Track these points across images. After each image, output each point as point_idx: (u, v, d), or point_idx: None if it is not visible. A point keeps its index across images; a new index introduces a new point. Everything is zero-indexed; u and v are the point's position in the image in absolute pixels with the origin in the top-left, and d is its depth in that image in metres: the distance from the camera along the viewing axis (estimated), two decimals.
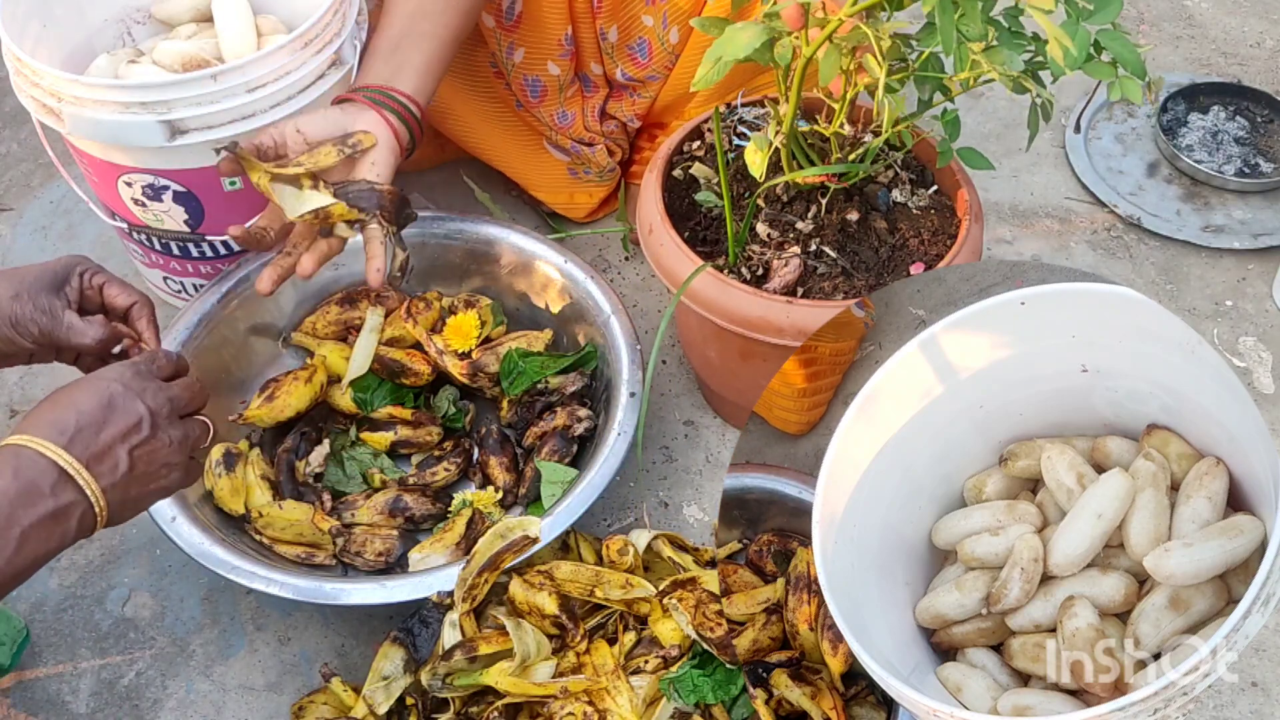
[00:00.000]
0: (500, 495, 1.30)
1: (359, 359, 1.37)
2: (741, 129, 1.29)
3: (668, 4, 1.44)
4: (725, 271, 1.21)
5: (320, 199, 1.15)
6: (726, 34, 1.03)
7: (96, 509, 0.87)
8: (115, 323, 1.06)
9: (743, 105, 1.32)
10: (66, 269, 1.04)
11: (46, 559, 0.84)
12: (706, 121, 1.33)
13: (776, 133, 1.14)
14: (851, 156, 1.19)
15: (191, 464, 0.98)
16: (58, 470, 0.84)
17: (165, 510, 1.20)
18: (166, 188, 1.34)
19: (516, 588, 1.15)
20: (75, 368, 1.08)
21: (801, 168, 1.19)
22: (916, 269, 1.20)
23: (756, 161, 1.13)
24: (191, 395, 0.98)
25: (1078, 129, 1.77)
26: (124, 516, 0.91)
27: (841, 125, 1.16)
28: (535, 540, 1.16)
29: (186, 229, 1.38)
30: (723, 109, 1.31)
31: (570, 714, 1.08)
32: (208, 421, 0.99)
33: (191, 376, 1.02)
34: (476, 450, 1.37)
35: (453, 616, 1.13)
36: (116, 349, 1.05)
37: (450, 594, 1.14)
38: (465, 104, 1.56)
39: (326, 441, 1.35)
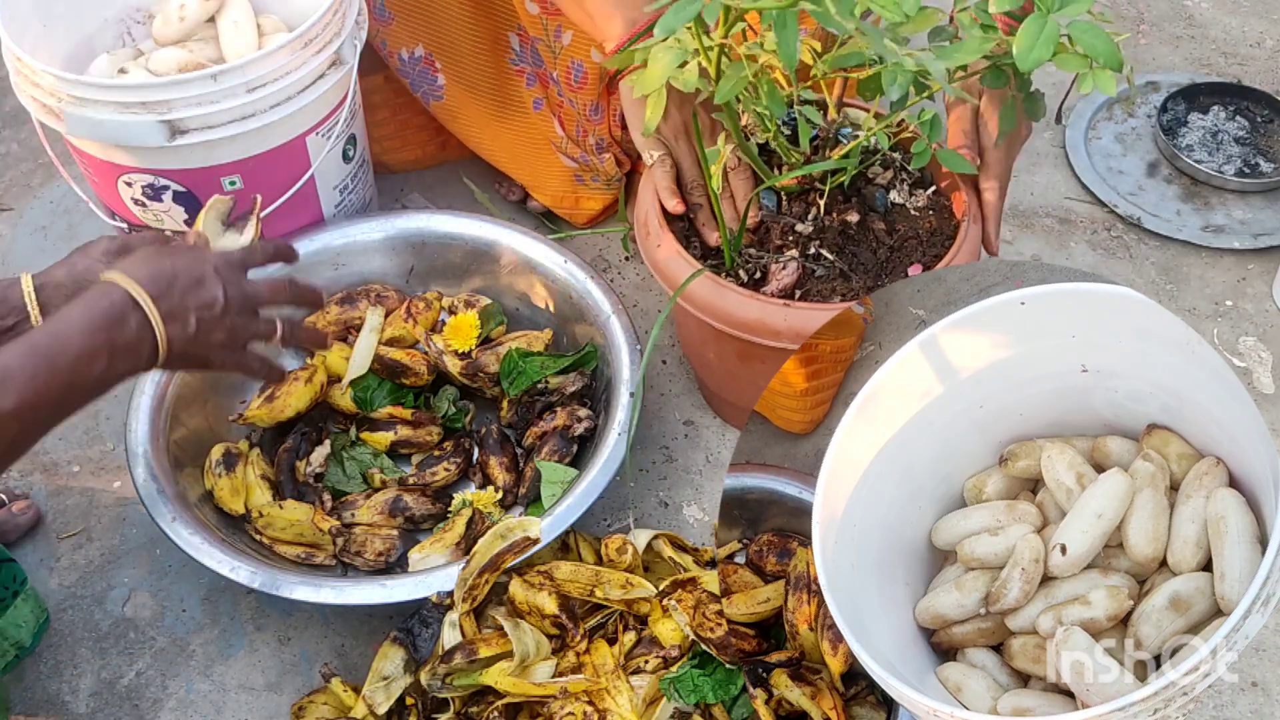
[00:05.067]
0: (500, 495, 1.30)
1: (359, 359, 1.37)
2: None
3: None
4: (723, 274, 1.21)
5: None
6: (647, 65, 1.01)
7: (161, 349, 1.00)
8: None
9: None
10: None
11: (124, 378, 1.00)
12: None
13: (729, 144, 1.14)
14: (835, 154, 1.19)
15: (248, 355, 1.09)
16: (143, 314, 0.99)
17: (165, 510, 1.20)
18: (166, 188, 1.34)
19: (516, 588, 1.15)
20: None
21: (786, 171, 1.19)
22: (914, 270, 1.20)
23: (715, 173, 1.13)
24: (273, 293, 1.11)
25: (1058, 119, 1.76)
26: (180, 365, 1.07)
27: (777, 137, 1.16)
28: (535, 541, 1.16)
29: (186, 229, 1.38)
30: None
31: (570, 714, 1.08)
32: (277, 321, 1.10)
33: (284, 276, 1.16)
34: (476, 450, 1.37)
35: (453, 617, 1.13)
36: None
37: (450, 594, 1.14)
38: (476, 105, 1.56)
39: (327, 442, 1.35)
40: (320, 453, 1.34)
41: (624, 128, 1.56)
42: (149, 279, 1.00)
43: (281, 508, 1.27)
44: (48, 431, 0.97)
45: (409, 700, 1.14)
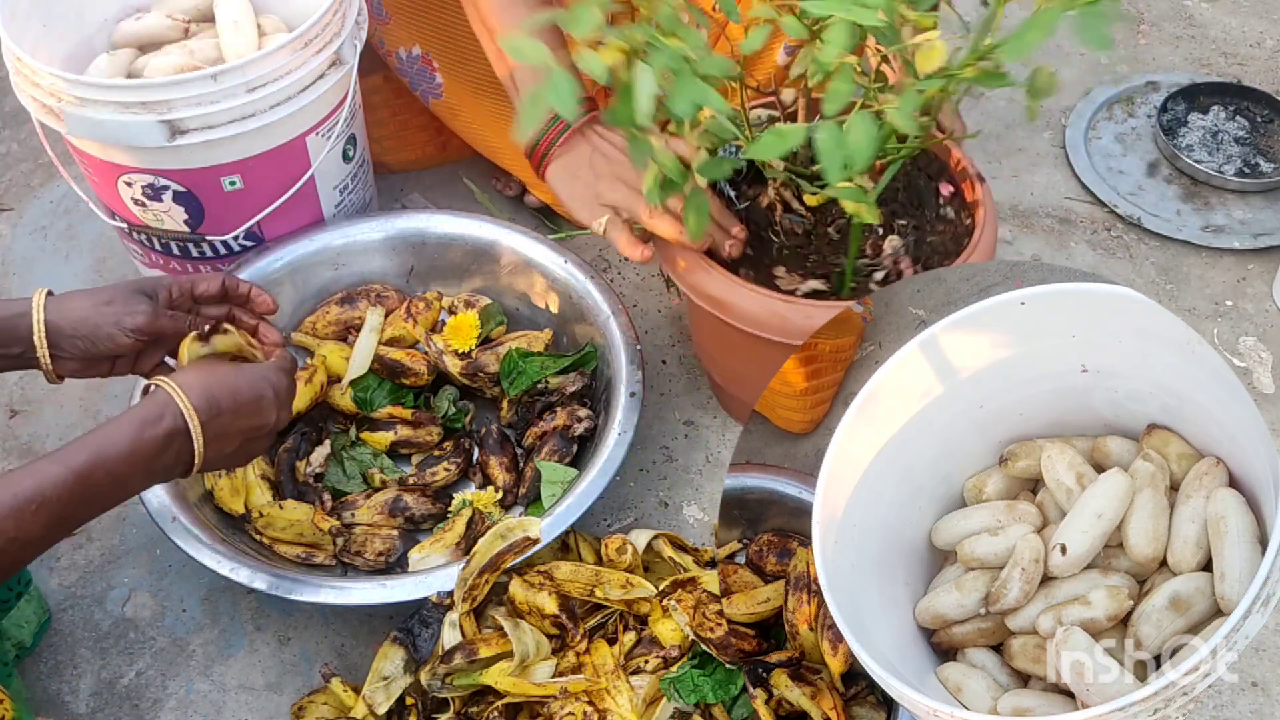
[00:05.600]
0: (500, 495, 1.30)
1: (359, 359, 1.37)
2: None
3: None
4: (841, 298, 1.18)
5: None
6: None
7: (192, 469, 1.03)
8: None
9: (751, 108, 1.30)
10: (152, 281, 1.14)
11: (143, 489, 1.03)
12: None
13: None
14: None
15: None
16: (188, 437, 1.00)
17: (165, 510, 1.20)
18: (166, 188, 1.34)
19: (516, 588, 1.15)
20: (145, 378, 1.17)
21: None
22: (945, 189, 1.22)
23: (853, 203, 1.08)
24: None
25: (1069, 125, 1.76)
26: (201, 471, 1.05)
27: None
28: (536, 541, 1.16)
29: (186, 229, 1.38)
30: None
31: (570, 714, 1.08)
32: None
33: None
34: (476, 450, 1.37)
35: (453, 617, 1.13)
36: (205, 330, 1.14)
37: (450, 594, 1.14)
38: (474, 104, 1.56)
39: (327, 442, 1.35)
40: (320, 453, 1.34)
41: None
42: (205, 402, 1.01)
43: (281, 508, 1.27)
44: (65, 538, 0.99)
45: (409, 700, 1.14)
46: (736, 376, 1.36)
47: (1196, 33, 1.97)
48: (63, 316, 1.07)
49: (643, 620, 1.18)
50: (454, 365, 1.37)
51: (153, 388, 1.03)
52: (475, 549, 1.15)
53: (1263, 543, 0.90)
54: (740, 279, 1.18)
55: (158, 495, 1.21)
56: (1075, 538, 0.96)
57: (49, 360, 1.08)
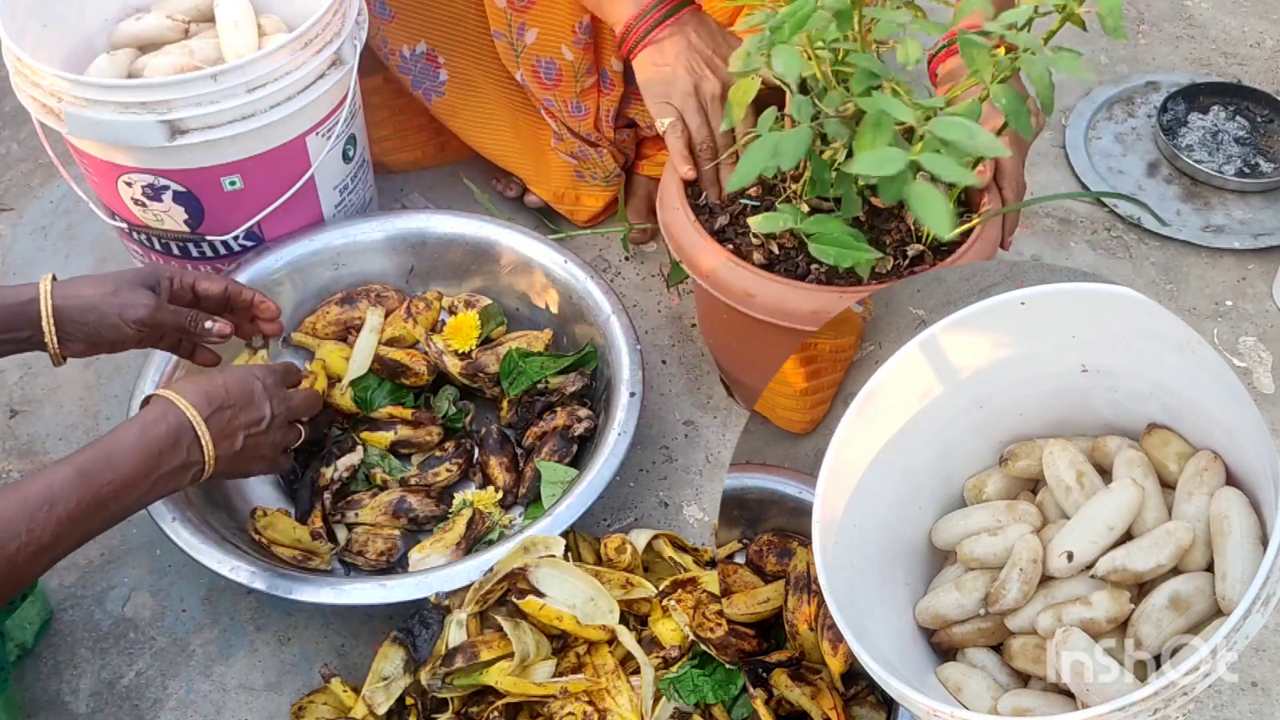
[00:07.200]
0: (500, 495, 1.30)
1: (359, 359, 1.37)
2: None
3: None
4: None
5: None
6: (767, 140, 1.01)
7: (206, 469, 1.06)
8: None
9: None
10: (154, 271, 1.20)
11: (163, 497, 1.07)
12: None
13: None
14: None
15: (280, 458, 1.16)
16: (195, 435, 1.04)
17: (165, 510, 1.20)
18: (166, 188, 1.34)
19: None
20: (169, 353, 1.28)
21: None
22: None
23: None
24: (308, 406, 1.19)
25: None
26: (217, 479, 1.11)
27: None
28: (555, 557, 1.16)
29: (186, 229, 1.38)
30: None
31: (570, 714, 1.08)
32: (301, 429, 1.18)
33: (308, 387, 1.26)
34: (477, 450, 1.37)
35: (460, 616, 1.13)
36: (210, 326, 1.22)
37: (450, 594, 1.14)
38: (477, 100, 1.56)
39: (359, 450, 1.34)
40: (348, 461, 1.32)
41: (615, 126, 1.56)
42: (203, 399, 1.06)
43: (287, 513, 1.27)
44: (79, 546, 0.99)
45: (409, 700, 1.14)
46: (747, 364, 1.35)
47: (1196, 33, 1.97)
48: (69, 302, 1.13)
49: (643, 620, 1.18)
50: (454, 365, 1.37)
51: (150, 400, 1.07)
52: (498, 564, 1.14)
53: (1264, 543, 0.90)
54: (752, 266, 1.17)
55: None
56: (1084, 548, 0.96)
57: (57, 345, 1.13)
